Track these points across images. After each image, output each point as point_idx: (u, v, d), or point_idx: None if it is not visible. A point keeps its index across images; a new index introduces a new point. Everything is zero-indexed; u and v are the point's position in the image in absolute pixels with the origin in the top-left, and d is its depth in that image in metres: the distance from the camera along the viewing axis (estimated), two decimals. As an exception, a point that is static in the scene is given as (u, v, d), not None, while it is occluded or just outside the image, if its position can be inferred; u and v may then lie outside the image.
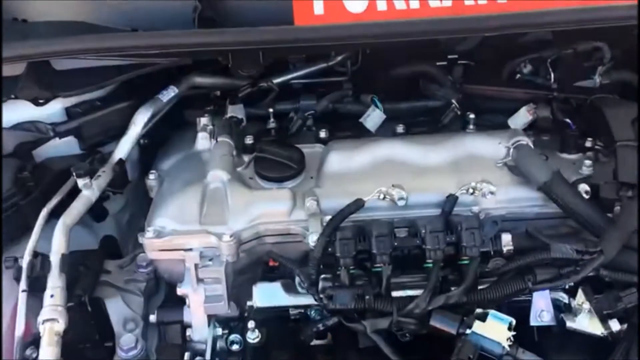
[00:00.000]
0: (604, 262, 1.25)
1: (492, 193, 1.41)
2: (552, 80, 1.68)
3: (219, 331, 1.44)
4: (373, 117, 1.65)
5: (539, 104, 1.61)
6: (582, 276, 1.25)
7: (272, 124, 1.75)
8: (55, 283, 1.37)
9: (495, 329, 1.22)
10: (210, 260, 1.40)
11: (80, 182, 1.53)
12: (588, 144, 1.55)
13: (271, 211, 1.44)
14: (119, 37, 1.50)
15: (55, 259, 1.41)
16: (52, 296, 1.35)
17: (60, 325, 1.31)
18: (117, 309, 1.50)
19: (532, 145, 1.48)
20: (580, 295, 1.30)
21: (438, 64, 1.76)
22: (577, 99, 1.63)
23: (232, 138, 1.60)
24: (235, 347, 1.43)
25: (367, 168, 1.51)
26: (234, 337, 1.44)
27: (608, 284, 1.31)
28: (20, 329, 1.34)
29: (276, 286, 1.41)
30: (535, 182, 1.40)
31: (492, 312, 1.25)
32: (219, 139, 1.59)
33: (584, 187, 1.40)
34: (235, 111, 1.71)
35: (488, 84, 1.79)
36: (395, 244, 1.33)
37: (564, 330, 1.30)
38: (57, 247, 1.42)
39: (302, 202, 1.45)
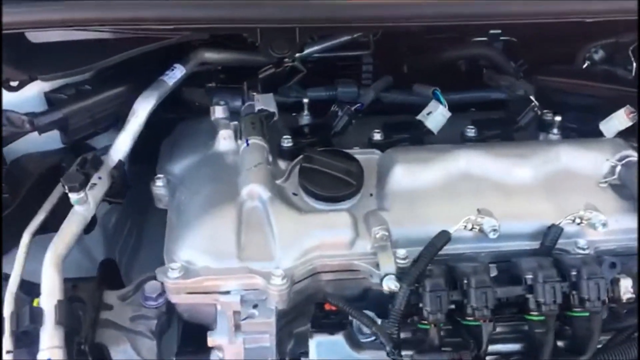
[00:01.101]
0: None
1: (603, 225, 1.14)
2: (633, 72, 1.42)
3: (257, 388, 1.15)
4: (436, 116, 1.34)
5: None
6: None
7: (306, 117, 1.42)
8: (51, 341, 1.03)
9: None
10: (254, 307, 1.09)
11: (74, 197, 1.17)
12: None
13: (329, 241, 1.13)
14: (128, 5, 1.13)
15: (48, 306, 1.06)
16: (49, 360, 1.02)
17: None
18: (124, 357, 1.18)
19: (642, 161, 1.21)
20: None
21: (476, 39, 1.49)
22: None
23: (265, 139, 1.26)
24: (276, 407, 1.15)
25: (441, 185, 1.21)
26: (273, 394, 1.15)
27: None
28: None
29: (338, 340, 1.11)
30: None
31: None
32: (250, 141, 1.25)
33: None
34: (265, 102, 1.36)
35: (551, 73, 1.51)
36: (498, 294, 1.04)
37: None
38: (50, 289, 1.08)
39: (364, 228, 1.15)
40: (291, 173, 1.25)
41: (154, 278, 1.23)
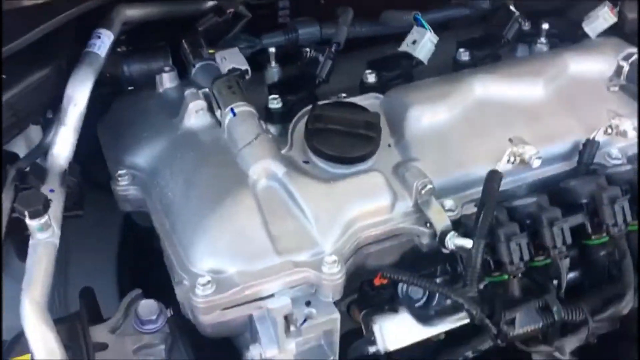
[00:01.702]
0: None
1: (634, 128, 1.09)
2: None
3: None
4: (424, 44, 1.19)
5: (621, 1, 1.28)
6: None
7: (274, 70, 1.21)
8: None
9: None
10: (307, 304, 0.91)
11: (36, 224, 0.89)
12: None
13: (370, 208, 0.97)
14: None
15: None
16: None
17: None
18: (143, 401, 0.96)
19: (644, 57, 1.17)
20: None
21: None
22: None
23: (251, 104, 1.04)
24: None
25: (463, 120, 1.09)
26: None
27: None
28: None
29: (405, 318, 0.97)
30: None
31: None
32: (236, 110, 1.02)
33: None
34: (234, 59, 1.13)
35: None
36: (568, 225, 0.96)
37: None
38: (50, 350, 0.81)
39: (398, 184, 1.00)
40: (293, 138, 1.05)
41: (141, 297, 1.01)
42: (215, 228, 0.92)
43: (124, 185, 1.05)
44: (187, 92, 1.07)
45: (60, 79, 1.05)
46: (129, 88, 1.22)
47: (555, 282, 0.98)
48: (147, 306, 0.99)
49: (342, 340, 0.94)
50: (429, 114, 1.07)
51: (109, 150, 1.12)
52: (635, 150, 1.12)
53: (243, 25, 1.29)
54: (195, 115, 1.07)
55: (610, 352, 1.02)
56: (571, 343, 0.93)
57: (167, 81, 1.16)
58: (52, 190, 0.97)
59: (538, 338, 0.94)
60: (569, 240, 0.94)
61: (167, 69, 1.17)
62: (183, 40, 1.22)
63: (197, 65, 1.18)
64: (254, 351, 0.91)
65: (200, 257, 0.90)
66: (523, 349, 0.95)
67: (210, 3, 1.22)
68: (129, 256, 1.33)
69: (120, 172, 1.06)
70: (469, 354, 1.00)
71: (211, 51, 1.16)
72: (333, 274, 0.90)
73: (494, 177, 0.97)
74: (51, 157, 1.01)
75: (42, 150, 1.05)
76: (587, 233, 0.99)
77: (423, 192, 0.97)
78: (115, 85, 1.21)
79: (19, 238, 1.00)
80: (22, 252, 0.99)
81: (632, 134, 1.09)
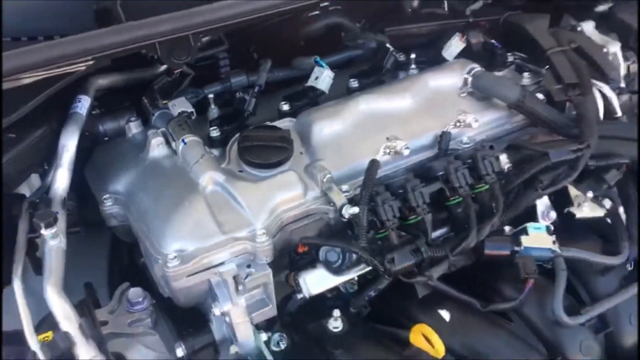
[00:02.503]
0: (592, 153, 1.43)
1: (476, 120, 1.51)
2: (446, 8, 1.81)
3: (264, 336, 1.35)
4: (324, 78, 1.61)
5: (466, 31, 1.72)
6: (579, 171, 1.43)
7: (214, 110, 1.61)
8: (89, 354, 1.15)
9: (539, 238, 1.35)
10: (248, 267, 1.29)
11: (49, 233, 1.26)
12: (510, 58, 1.72)
13: (287, 197, 1.36)
14: (53, 45, 1.24)
15: (72, 327, 1.17)
16: (97, 370, 1.13)
17: (125, 398, 1.11)
18: (142, 357, 1.31)
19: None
20: (573, 190, 1.48)
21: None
22: (488, 21, 1.78)
23: (196, 135, 1.44)
24: (282, 345, 1.36)
25: (353, 129, 1.49)
26: (277, 336, 1.37)
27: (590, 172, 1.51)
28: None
29: (321, 271, 1.35)
30: (508, 100, 1.53)
31: (528, 225, 1.37)
32: (186, 140, 1.42)
33: (540, 96, 1.57)
34: (181, 104, 1.53)
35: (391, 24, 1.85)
36: (427, 190, 1.35)
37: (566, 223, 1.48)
38: (67, 315, 1.18)
39: (308, 178, 1.39)
40: (230, 155, 1.44)
41: (129, 287, 1.38)
42: (177, 221, 1.29)
43: (109, 206, 1.42)
44: (149, 132, 1.46)
45: (53, 135, 1.43)
46: (105, 139, 1.61)
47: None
48: (135, 292, 1.36)
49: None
50: (328, 127, 1.47)
51: (95, 184, 1.49)
52: (482, 137, 1.54)
53: (189, 81, 1.70)
54: (157, 148, 1.45)
55: (475, 279, 1.40)
56: (438, 271, 1.30)
57: (134, 128, 1.55)
58: (57, 213, 1.34)
59: (414, 272, 1.32)
60: (427, 200, 1.33)
61: (132, 119, 1.57)
62: (143, 97, 1.62)
63: (156, 114, 1.57)
64: (215, 309, 1.28)
65: (167, 242, 1.27)
66: (405, 281, 1.32)
67: (162, 68, 1.62)
68: (115, 263, 1.68)
69: (105, 196, 1.43)
70: (372, 293, 1.37)
71: (165, 102, 1.56)
72: (263, 242, 1.28)
73: (373, 164, 1.37)
74: (53, 190, 1.38)
75: (45, 187, 1.42)
76: (446, 196, 1.39)
77: (325, 180, 1.37)
78: (94, 140, 1.59)
79: (33, 256, 1.38)
80: (36, 267, 1.36)
81: (475, 124, 1.50)
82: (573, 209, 1.47)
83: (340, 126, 1.48)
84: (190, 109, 1.52)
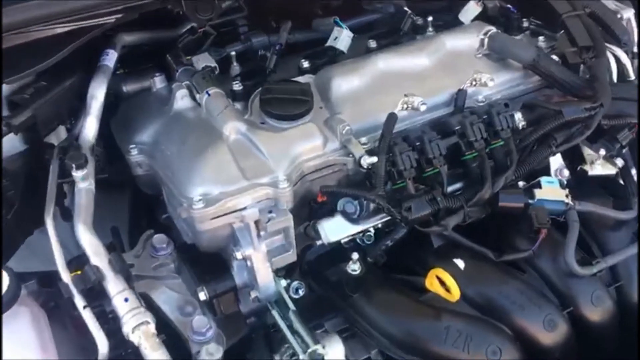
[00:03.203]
0: (604, 112, 1.47)
1: (492, 80, 1.54)
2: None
3: (284, 282, 1.40)
4: (343, 38, 1.65)
5: (483, -5, 1.76)
6: (592, 129, 1.46)
7: (236, 67, 1.66)
8: (119, 287, 1.20)
9: (552, 191, 1.39)
10: (269, 212, 1.33)
11: (80, 174, 1.31)
12: (525, 24, 1.75)
13: (307, 148, 1.40)
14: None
15: (102, 263, 1.22)
16: (126, 300, 1.18)
17: (152, 326, 1.16)
18: (166, 299, 1.36)
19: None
20: (586, 149, 1.52)
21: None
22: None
23: (219, 88, 1.48)
24: (301, 292, 1.41)
25: (372, 85, 1.53)
26: (296, 284, 1.41)
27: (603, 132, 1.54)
28: (104, 346, 1.15)
29: (339, 219, 1.39)
30: (523, 60, 1.56)
31: (541, 179, 1.41)
32: (210, 92, 1.46)
33: (555, 58, 1.61)
34: (204, 59, 1.57)
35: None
36: (444, 143, 1.39)
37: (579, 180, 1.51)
38: (95, 249, 1.23)
39: (328, 131, 1.43)
40: (252, 108, 1.49)
41: (153, 234, 1.42)
42: (201, 166, 1.34)
43: (135, 155, 1.47)
44: (174, 85, 1.51)
45: (82, 85, 1.48)
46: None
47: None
48: (160, 238, 1.41)
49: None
50: (345, 82, 1.51)
51: (121, 136, 1.54)
52: (497, 96, 1.58)
53: (212, 40, 1.74)
54: (181, 100, 1.50)
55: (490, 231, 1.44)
56: (453, 220, 1.35)
57: (159, 83, 1.60)
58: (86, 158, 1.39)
59: (430, 221, 1.36)
60: (443, 151, 1.37)
61: (157, 74, 1.61)
62: (167, 55, 1.66)
63: (180, 70, 1.61)
64: (236, 253, 1.32)
65: (193, 186, 1.32)
66: (421, 230, 1.36)
67: (185, 28, 1.66)
68: (136, 221, 1.73)
69: (131, 146, 1.48)
70: (389, 242, 1.42)
71: (188, 57, 1.60)
72: (284, 189, 1.32)
73: (391, 117, 1.41)
74: (82, 137, 1.43)
75: (75, 135, 1.47)
76: (461, 151, 1.42)
77: (344, 132, 1.41)
78: (118, 99, 1.64)
79: (62, 204, 1.43)
80: (64, 214, 1.42)
81: (490, 83, 1.54)
82: (585, 167, 1.50)
83: (358, 82, 1.52)
84: (214, 64, 1.56)
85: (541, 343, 1.31)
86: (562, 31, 1.67)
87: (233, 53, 1.65)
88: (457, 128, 1.42)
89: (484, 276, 1.35)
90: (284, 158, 1.38)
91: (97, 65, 1.50)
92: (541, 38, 1.69)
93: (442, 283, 1.29)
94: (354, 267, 1.33)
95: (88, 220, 1.27)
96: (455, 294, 1.26)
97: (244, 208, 1.32)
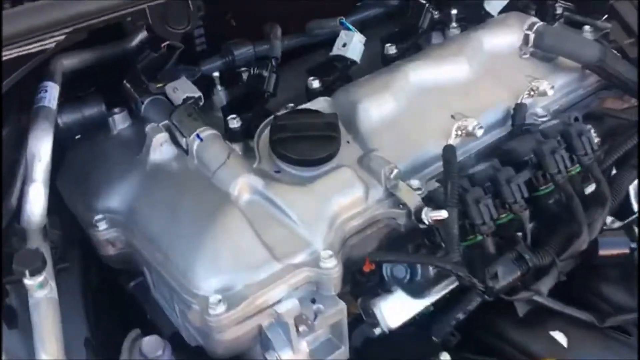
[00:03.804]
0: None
1: (552, 87, 1.23)
2: None
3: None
4: (354, 45, 1.28)
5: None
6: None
7: (221, 92, 1.26)
8: None
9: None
10: (313, 301, 0.97)
11: (35, 282, 0.90)
12: (559, 10, 1.45)
13: (347, 202, 1.04)
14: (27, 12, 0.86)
15: None
16: None
17: None
18: None
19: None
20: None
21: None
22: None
23: (212, 127, 1.09)
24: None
25: (408, 107, 1.18)
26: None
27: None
28: None
29: (398, 297, 1.05)
30: (586, 60, 1.27)
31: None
32: (202, 134, 1.06)
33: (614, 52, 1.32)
34: (185, 88, 1.17)
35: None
36: (523, 181, 1.07)
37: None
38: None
39: (366, 175, 1.08)
40: (259, 152, 1.10)
41: (140, 336, 1.03)
42: (212, 248, 0.95)
43: (104, 230, 1.07)
44: (148, 127, 1.10)
45: (19, 134, 1.05)
46: (76, 137, 1.22)
47: (519, 234, 1.09)
48: (151, 343, 1.01)
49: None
50: (376, 106, 1.15)
51: (77, 201, 1.12)
52: (556, 106, 1.27)
53: (177, 57, 1.32)
54: (160, 149, 1.09)
55: (575, 284, 1.14)
56: (546, 284, 1.04)
57: (120, 122, 1.19)
58: (37, 249, 0.97)
59: (518, 286, 1.05)
60: (525, 194, 1.06)
61: (117, 110, 1.20)
62: (124, 81, 1.24)
63: (146, 102, 1.20)
64: (270, 358, 0.96)
65: (204, 279, 0.94)
66: (507, 299, 1.05)
67: (137, 40, 1.24)
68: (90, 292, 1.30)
69: (97, 217, 1.07)
70: (460, 316, 1.09)
71: (159, 85, 1.19)
72: (331, 268, 0.96)
73: (450, 151, 1.07)
74: (27, 216, 1.01)
75: (11, 212, 1.04)
76: (535, 186, 1.11)
77: (392, 176, 1.06)
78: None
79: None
80: (10, 319, 0.99)
81: (550, 92, 1.23)
82: (676, 188, 1.23)
83: (392, 105, 1.17)
84: (198, 93, 1.16)
85: None
86: (606, 17, 1.38)
87: (216, 74, 1.24)
88: (529, 157, 1.10)
89: (595, 353, 1.05)
90: (320, 221, 1.01)
91: (33, 108, 1.07)
92: (587, 28, 1.39)
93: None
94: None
95: (57, 350, 0.86)
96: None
97: (279, 301, 0.95)
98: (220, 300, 0.91)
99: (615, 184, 1.16)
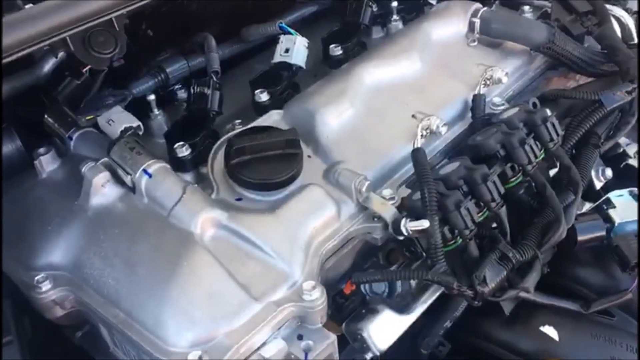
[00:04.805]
0: (640, 88, 1.19)
1: (506, 74, 1.20)
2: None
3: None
4: (298, 49, 1.19)
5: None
6: (636, 115, 1.19)
7: (159, 118, 1.15)
8: None
9: (628, 207, 1.09)
10: (300, 337, 0.89)
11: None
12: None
13: (319, 223, 0.96)
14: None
15: None
16: None
17: None
18: None
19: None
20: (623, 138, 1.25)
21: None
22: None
23: (160, 160, 0.98)
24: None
25: (366, 111, 1.11)
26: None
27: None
28: None
29: (385, 317, 0.98)
30: (534, 43, 1.24)
31: (610, 195, 1.11)
32: (150, 169, 0.95)
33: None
34: (121, 118, 1.04)
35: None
36: (496, 178, 1.02)
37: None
38: None
39: (337, 192, 1.00)
40: (215, 180, 1.00)
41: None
42: (181, 297, 0.85)
43: (48, 291, 0.93)
44: (85, 168, 0.97)
45: None
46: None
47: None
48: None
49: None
50: (335, 115, 1.08)
51: (12, 261, 0.98)
52: (509, 92, 1.24)
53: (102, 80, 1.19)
54: (101, 191, 0.97)
55: (551, 273, 1.11)
56: (532, 279, 1.01)
57: (48, 164, 1.05)
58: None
59: (505, 286, 1.00)
60: (501, 190, 1.01)
61: (42, 151, 1.06)
62: (45, 116, 1.10)
63: (75, 136, 1.07)
64: (258, 410, 0.87)
65: (177, 334, 0.83)
66: (493, 300, 1.00)
67: (48, 67, 1.10)
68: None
69: (37, 278, 0.94)
70: (448, 324, 1.04)
71: (89, 117, 1.06)
72: (316, 299, 0.88)
73: (420, 155, 1.01)
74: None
75: None
76: (507, 178, 1.07)
77: (363, 189, 0.99)
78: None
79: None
80: None
81: (505, 79, 1.20)
82: (632, 161, 1.23)
83: (350, 111, 1.10)
84: (136, 122, 1.04)
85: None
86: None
87: (152, 97, 1.13)
88: (497, 151, 1.06)
89: (585, 342, 1.03)
90: (295, 249, 0.93)
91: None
92: (527, 8, 1.37)
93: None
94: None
95: None
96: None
97: (263, 344, 0.86)
98: (200, 357, 0.81)
99: (580, 166, 1.14)
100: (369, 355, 0.97)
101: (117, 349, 0.98)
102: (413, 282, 1.05)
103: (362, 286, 1.04)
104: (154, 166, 0.95)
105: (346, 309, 1.00)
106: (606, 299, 1.07)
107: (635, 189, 1.13)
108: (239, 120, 1.11)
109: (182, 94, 1.22)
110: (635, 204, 1.11)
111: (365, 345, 0.97)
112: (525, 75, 1.29)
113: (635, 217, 1.08)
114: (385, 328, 0.98)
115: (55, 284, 0.94)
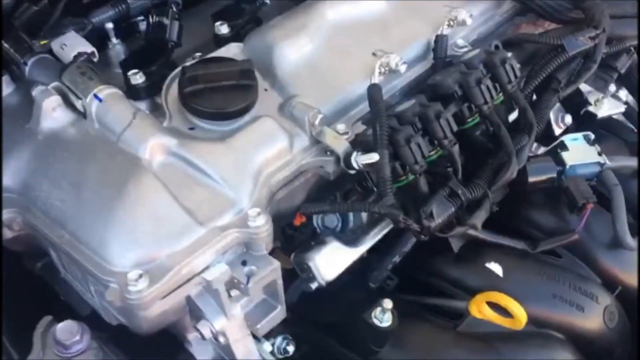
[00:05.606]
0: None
1: (470, 15, 1.19)
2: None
3: (269, 346, 1.00)
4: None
5: None
6: (598, 62, 1.19)
7: (117, 46, 1.13)
8: None
9: (582, 151, 1.10)
10: (244, 263, 0.90)
11: None
12: None
13: (271, 154, 0.97)
14: None
15: None
16: None
17: None
18: None
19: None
20: (586, 86, 1.25)
21: None
22: None
23: (112, 85, 0.97)
24: (291, 349, 1.02)
25: (328, 47, 1.10)
26: (281, 340, 1.02)
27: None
28: None
29: (333, 247, 0.99)
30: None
31: (565, 138, 1.12)
32: (101, 94, 0.94)
33: (527, -23, 1.29)
34: (75, 43, 1.03)
35: None
36: (450, 115, 1.03)
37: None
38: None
39: (291, 125, 1.00)
40: (169, 108, 1.00)
41: (52, 323, 0.93)
42: (126, 219, 0.86)
43: (10, 215, 0.94)
44: (35, 91, 0.96)
45: None
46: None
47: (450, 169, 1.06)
48: (66, 329, 0.91)
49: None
50: (294, 49, 1.07)
51: None
52: (474, 35, 1.23)
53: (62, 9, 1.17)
54: (52, 115, 0.97)
55: (504, 213, 1.12)
56: (480, 217, 1.02)
57: (3, 88, 1.04)
58: None
59: (452, 222, 1.02)
60: (454, 128, 1.02)
61: (-4, 75, 1.05)
62: (2, 41, 1.08)
63: (30, 62, 1.06)
64: (203, 329, 0.89)
65: (119, 254, 0.84)
66: (441, 236, 1.02)
67: None
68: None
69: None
70: (396, 259, 1.06)
71: (43, 42, 1.05)
72: (261, 226, 0.88)
73: (375, 90, 1.01)
74: None
75: None
76: (462, 119, 1.07)
77: (316, 123, 0.99)
78: None
79: None
80: None
81: (469, 20, 1.19)
82: (592, 108, 1.23)
83: (310, 46, 1.09)
84: (90, 48, 1.03)
85: (604, 340, 1.06)
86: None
87: (110, 25, 1.11)
88: (454, 90, 1.06)
89: (529, 279, 1.05)
90: (244, 177, 0.93)
91: None
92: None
93: (492, 306, 0.97)
94: (384, 318, 0.95)
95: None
96: (522, 319, 0.94)
97: (207, 267, 0.87)
98: (140, 275, 0.82)
99: (538, 110, 1.14)
100: (314, 285, 0.99)
101: (67, 273, 0.99)
102: (365, 218, 1.05)
103: (315, 221, 1.05)
104: (105, 91, 0.95)
105: (295, 240, 1.01)
106: (553, 239, 1.09)
107: (590, 133, 1.14)
108: (199, 54, 1.10)
109: (143, 26, 1.20)
110: (589, 148, 1.11)
111: (311, 275, 0.98)
112: (492, 19, 1.28)
113: (588, 160, 1.09)
114: (332, 259, 0.99)
115: (4, 206, 0.94)
